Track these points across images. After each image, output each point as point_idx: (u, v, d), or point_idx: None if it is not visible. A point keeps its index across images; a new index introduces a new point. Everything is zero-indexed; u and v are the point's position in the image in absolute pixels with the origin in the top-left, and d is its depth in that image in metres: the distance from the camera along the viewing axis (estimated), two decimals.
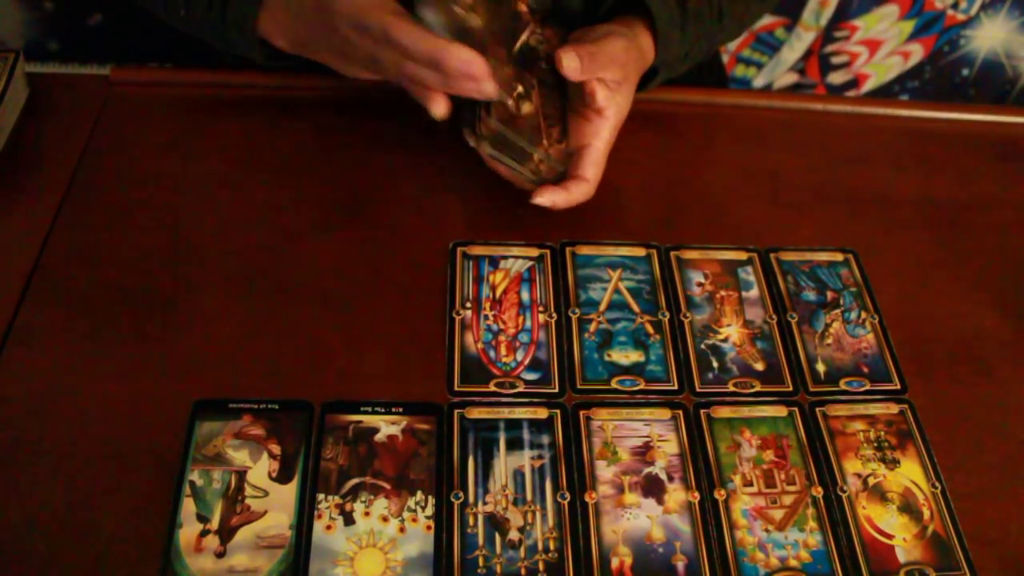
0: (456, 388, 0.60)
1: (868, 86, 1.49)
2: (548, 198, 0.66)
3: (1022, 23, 1.40)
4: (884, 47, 1.44)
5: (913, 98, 1.50)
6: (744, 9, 0.80)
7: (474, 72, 0.59)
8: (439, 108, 0.63)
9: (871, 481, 0.59)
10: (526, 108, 0.65)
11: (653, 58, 0.72)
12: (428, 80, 0.62)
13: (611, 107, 0.67)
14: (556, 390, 0.61)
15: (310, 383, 0.60)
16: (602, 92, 0.66)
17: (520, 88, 0.65)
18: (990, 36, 1.42)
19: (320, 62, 0.70)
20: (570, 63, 0.63)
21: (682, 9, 0.72)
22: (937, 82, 1.48)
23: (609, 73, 0.66)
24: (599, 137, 0.68)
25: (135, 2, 0.76)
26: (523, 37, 0.67)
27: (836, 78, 1.48)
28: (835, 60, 1.45)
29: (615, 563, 0.54)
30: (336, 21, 0.64)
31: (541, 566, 0.53)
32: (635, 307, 0.66)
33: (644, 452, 0.58)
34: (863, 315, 0.68)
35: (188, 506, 0.53)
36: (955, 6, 1.38)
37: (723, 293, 0.68)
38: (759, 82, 1.49)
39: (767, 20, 1.40)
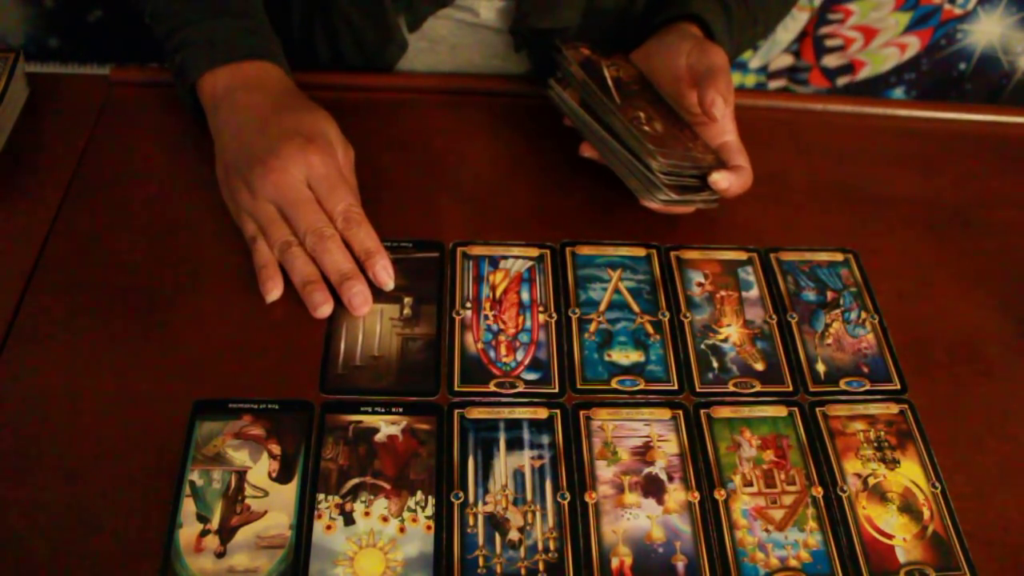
0: (456, 388, 0.60)
1: (864, 74, 1.49)
2: (725, 179, 0.67)
3: (1020, 19, 1.41)
4: (879, 37, 1.44)
5: (909, 89, 1.50)
6: (772, 13, 0.85)
7: (360, 311, 0.63)
8: (326, 311, 0.63)
9: (871, 481, 0.59)
10: (658, 126, 0.68)
11: None
12: (303, 269, 0.63)
13: (726, 100, 0.68)
14: (556, 390, 0.61)
15: (310, 383, 0.60)
16: (718, 104, 0.67)
17: (641, 114, 0.68)
18: (987, 31, 1.42)
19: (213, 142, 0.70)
20: (720, 110, 0.67)
21: (728, 18, 0.76)
22: (933, 74, 1.48)
23: (732, 96, 0.69)
24: (730, 131, 0.71)
25: None
26: (607, 75, 0.70)
27: (831, 61, 1.48)
28: (830, 43, 1.45)
29: (615, 563, 0.54)
30: (262, 166, 0.63)
31: (541, 566, 0.53)
32: (635, 307, 0.66)
33: (644, 452, 0.58)
34: (863, 315, 0.68)
35: (188, 506, 0.53)
36: (952, 0, 1.38)
37: (723, 293, 0.68)
38: (755, 64, 1.49)
39: None
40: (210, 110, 0.69)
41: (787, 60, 1.48)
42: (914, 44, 1.45)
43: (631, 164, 0.67)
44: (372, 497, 0.55)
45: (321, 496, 0.54)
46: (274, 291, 0.63)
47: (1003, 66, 1.46)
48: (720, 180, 0.67)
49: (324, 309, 0.62)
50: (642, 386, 0.62)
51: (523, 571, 0.53)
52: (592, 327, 0.65)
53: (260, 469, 0.55)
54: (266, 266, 0.64)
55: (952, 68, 1.47)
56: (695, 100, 0.69)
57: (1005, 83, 1.49)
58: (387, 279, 0.64)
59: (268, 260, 0.64)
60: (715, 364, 0.64)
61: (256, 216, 0.64)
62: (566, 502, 0.56)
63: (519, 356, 0.62)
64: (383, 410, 0.59)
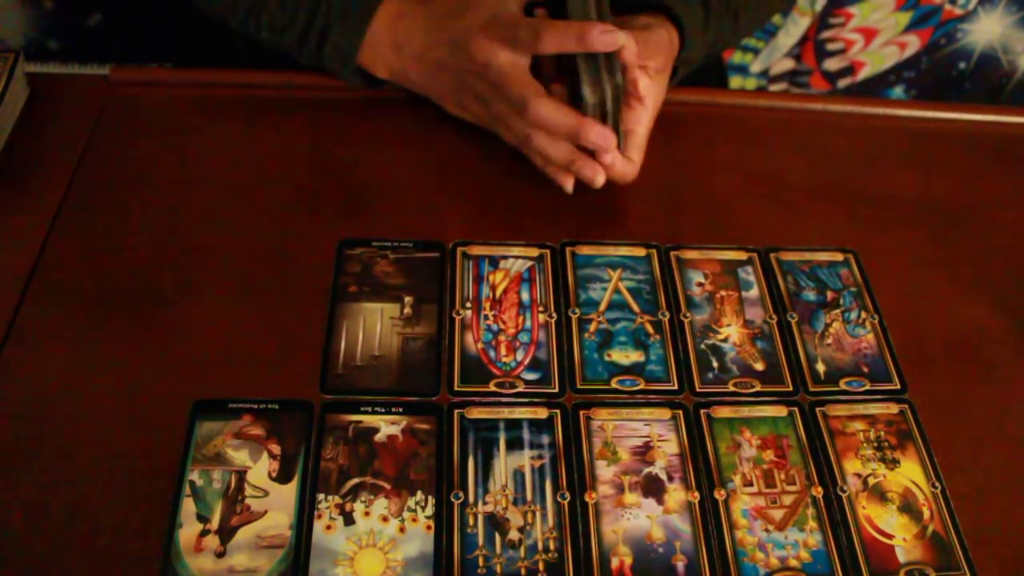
0: (456, 388, 0.60)
1: (864, 74, 1.50)
2: (613, 156, 0.68)
3: (1019, 18, 1.41)
4: (880, 36, 1.44)
5: (909, 88, 1.51)
6: (757, 10, 0.84)
7: (608, 145, 0.65)
8: (570, 184, 0.69)
9: (871, 481, 0.59)
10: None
11: (676, 55, 0.74)
12: (554, 153, 0.67)
13: (651, 95, 0.69)
14: (556, 390, 0.61)
15: (310, 383, 0.60)
16: (644, 80, 0.68)
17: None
18: (987, 31, 1.42)
19: (413, 90, 0.75)
20: (631, 46, 0.65)
21: (705, 12, 0.75)
22: (933, 73, 1.48)
23: (653, 62, 0.69)
24: (641, 123, 0.70)
25: (202, 9, 0.77)
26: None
27: (832, 64, 1.48)
28: (831, 47, 1.45)
29: (615, 563, 0.54)
30: (468, 72, 0.69)
31: (541, 566, 0.53)
32: (635, 307, 0.66)
33: (644, 452, 0.58)
34: (863, 315, 0.68)
35: (188, 506, 0.53)
36: (952, 0, 1.38)
37: (723, 293, 0.68)
38: (756, 68, 1.49)
39: None
40: (398, 74, 0.73)
41: (788, 64, 1.49)
42: (914, 43, 1.45)
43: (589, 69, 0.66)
44: (372, 497, 0.55)
45: (321, 496, 0.54)
46: (568, 182, 0.69)
47: (1003, 65, 1.46)
48: (607, 156, 0.68)
49: (600, 177, 0.67)
50: (642, 386, 0.62)
51: (523, 571, 0.53)
52: (592, 327, 0.65)
53: (260, 469, 0.55)
54: (546, 166, 0.69)
55: (952, 67, 1.47)
56: (632, 76, 0.68)
57: (1005, 82, 1.49)
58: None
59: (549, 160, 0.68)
60: (715, 364, 0.64)
61: (498, 118, 0.70)
62: (566, 502, 0.56)
63: (519, 356, 0.62)
64: (383, 410, 0.59)
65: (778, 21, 1.42)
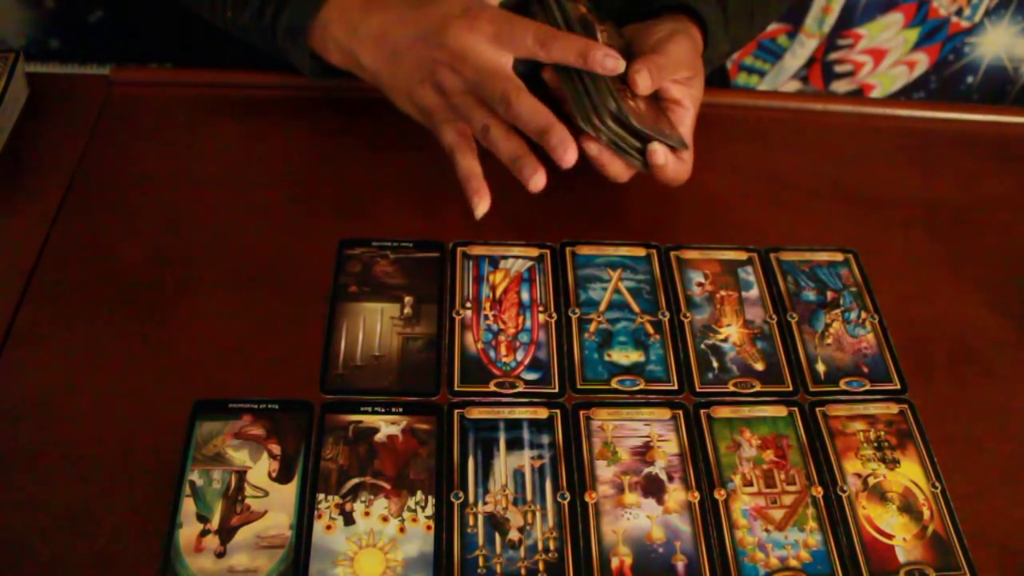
0: (456, 388, 0.60)
1: (873, 96, 1.49)
2: (663, 154, 0.66)
3: None
4: (889, 57, 1.43)
5: None
6: (768, 7, 0.84)
7: (567, 157, 0.61)
8: (540, 181, 0.62)
9: (871, 481, 0.59)
10: (641, 104, 0.67)
11: (701, 54, 0.73)
12: (505, 147, 0.63)
13: (687, 98, 0.69)
14: (556, 390, 0.61)
15: (310, 383, 0.60)
16: (676, 88, 0.68)
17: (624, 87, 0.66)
18: (994, 42, 1.42)
19: (363, 78, 0.70)
20: (644, 82, 0.64)
21: (723, 10, 0.74)
22: (943, 91, 1.48)
23: (680, 74, 0.68)
24: (683, 124, 0.70)
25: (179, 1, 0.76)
26: (600, 40, 0.67)
27: (840, 87, 1.48)
28: (839, 69, 1.45)
29: (615, 563, 0.54)
30: (435, 61, 0.64)
31: (541, 566, 0.53)
32: (635, 307, 0.66)
33: (644, 452, 0.58)
34: (863, 315, 0.68)
35: (188, 506, 0.53)
36: (959, 13, 1.37)
37: (723, 293, 0.68)
38: (763, 88, 1.49)
39: (770, 27, 1.40)
40: (347, 57, 0.69)
41: (795, 86, 1.48)
42: (923, 61, 1.44)
43: (584, 96, 0.65)
44: (372, 497, 0.55)
45: (321, 496, 0.54)
46: (482, 204, 0.63)
47: (1008, 72, 1.46)
48: (658, 153, 0.65)
49: (539, 179, 0.61)
50: (642, 386, 0.62)
51: (523, 571, 0.53)
52: (592, 327, 0.65)
53: (260, 469, 0.55)
54: (471, 177, 0.63)
55: (960, 82, 1.47)
56: (664, 87, 0.68)
57: (1009, 89, 1.49)
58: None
59: (472, 171, 0.63)
60: (715, 364, 0.64)
61: (456, 110, 0.64)
62: (566, 502, 0.56)
63: (519, 356, 0.62)
64: (383, 410, 0.59)
65: (785, 43, 1.42)
